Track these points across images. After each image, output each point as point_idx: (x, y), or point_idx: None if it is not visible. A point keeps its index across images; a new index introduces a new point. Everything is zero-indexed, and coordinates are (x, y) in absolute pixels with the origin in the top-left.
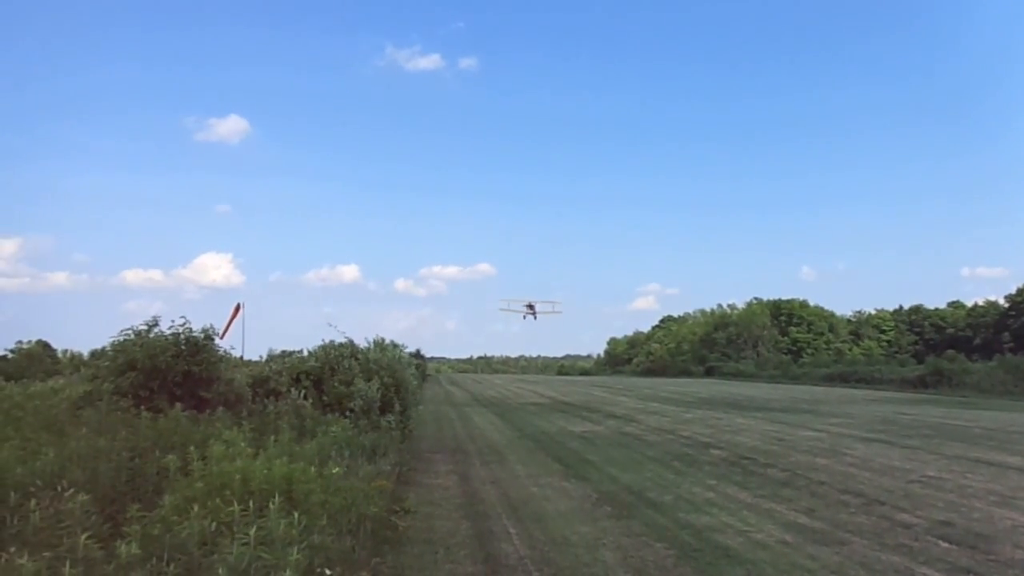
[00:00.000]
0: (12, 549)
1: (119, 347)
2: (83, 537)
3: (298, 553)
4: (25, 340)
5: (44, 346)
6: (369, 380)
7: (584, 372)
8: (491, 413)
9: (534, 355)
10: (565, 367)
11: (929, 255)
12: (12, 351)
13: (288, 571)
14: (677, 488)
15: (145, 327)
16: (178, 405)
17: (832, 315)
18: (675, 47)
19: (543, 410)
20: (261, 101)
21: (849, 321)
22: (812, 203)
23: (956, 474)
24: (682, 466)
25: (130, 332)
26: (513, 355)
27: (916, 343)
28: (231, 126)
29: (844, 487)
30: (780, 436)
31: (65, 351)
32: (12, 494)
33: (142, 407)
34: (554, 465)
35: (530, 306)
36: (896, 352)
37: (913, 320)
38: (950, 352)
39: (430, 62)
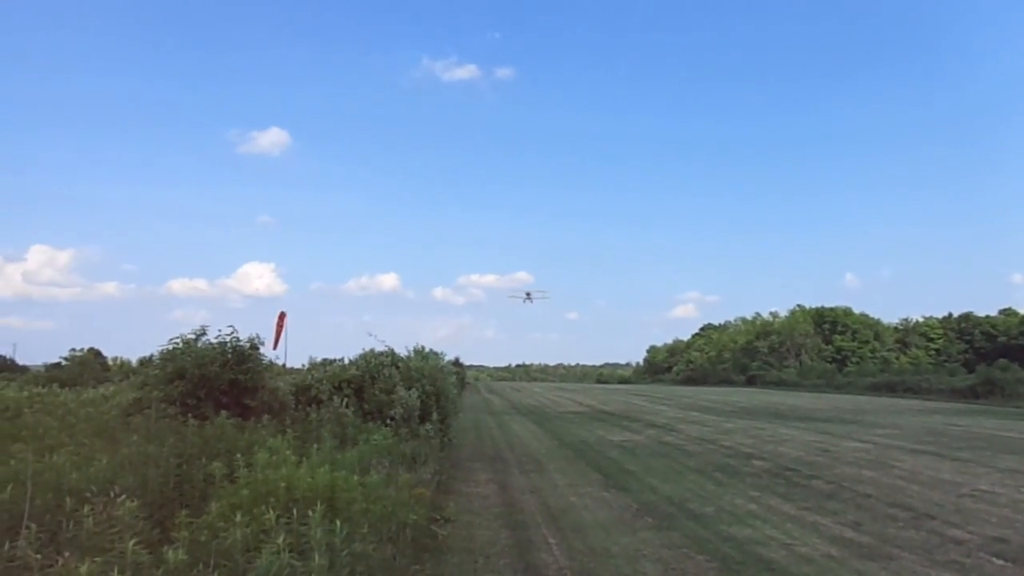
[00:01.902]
0: (67, 553)
1: (168, 355)
2: (131, 543)
3: (330, 559)
4: (78, 348)
5: (95, 354)
6: (409, 389)
7: (623, 380)
8: (530, 422)
9: (573, 363)
10: (604, 375)
11: (978, 261)
12: (66, 359)
13: None
14: (719, 499)
15: (193, 336)
16: (223, 413)
17: (878, 323)
18: (715, 62)
19: (582, 419)
20: (301, 114)
21: (895, 329)
22: (854, 210)
23: (1010, 488)
24: (723, 477)
25: (178, 341)
26: (551, 363)
27: (966, 352)
28: (272, 138)
29: (892, 500)
30: (824, 447)
31: (115, 358)
32: (68, 499)
33: (189, 414)
34: (593, 475)
35: (528, 294)
36: (945, 361)
37: (963, 328)
38: (1002, 361)
39: (466, 72)
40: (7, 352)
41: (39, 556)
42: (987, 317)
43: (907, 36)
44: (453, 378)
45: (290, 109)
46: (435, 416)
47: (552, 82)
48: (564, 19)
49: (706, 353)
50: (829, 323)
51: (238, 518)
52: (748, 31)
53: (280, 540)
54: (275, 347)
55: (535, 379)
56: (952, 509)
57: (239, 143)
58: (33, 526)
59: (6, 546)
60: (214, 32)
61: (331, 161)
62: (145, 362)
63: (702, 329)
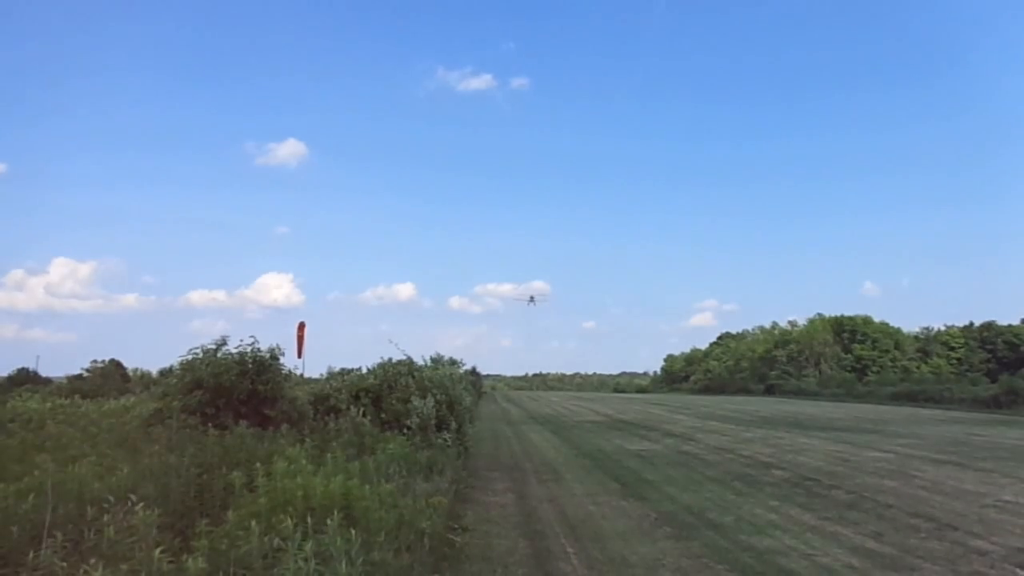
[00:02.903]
0: (91, 561)
1: (187, 366)
2: (154, 551)
3: (351, 568)
4: (99, 359)
5: (116, 365)
6: (424, 397)
7: (640, 390)
8: (547, 431)
9: (590, 372)
10: (621, 384)
11: (999, 269)
12: (88, 370)
13: None
14: (738, 509)
15: (213, 346)
16: (243, 423)
17: (898, 332)
18: (731, 73)
19: (599, 428)
20: (318, 125)
21: (916, 338)
22: (873, 218)
23: None
24: (743, 486)
25: (198, 351)
26: (568, 372)
27: (988, 361)
28: (289, 150)
29: (914, 510)
30: (845, 457)
31: (136, 369)
32: (89, 508)
33: (209, 424)
34: (612, 484)
35: (531, 297)
36: (967, 370)
37: (985, 337)
38: None
39: (482, 82)
40: (31, 364)
41: (64, 564)
42: (1009, 326)
43: (922, 47)
44: (467, 386)
45: (306, 121)
46: (453, 425)
47: (567, 91)
48: (579, 29)
49: (724, 362)
50: (849, 332)
51: (257, 526)
52: (763, 43)
53: (308, 547)
54: (299, 355)
55: (552, 388)
56: (975, 519)
57: (256, 155)
58: (57, 535)
59: (30, 555)
60: (230, 45)
61: (347, 171)
62: (165, 373)
63: (720, 338)
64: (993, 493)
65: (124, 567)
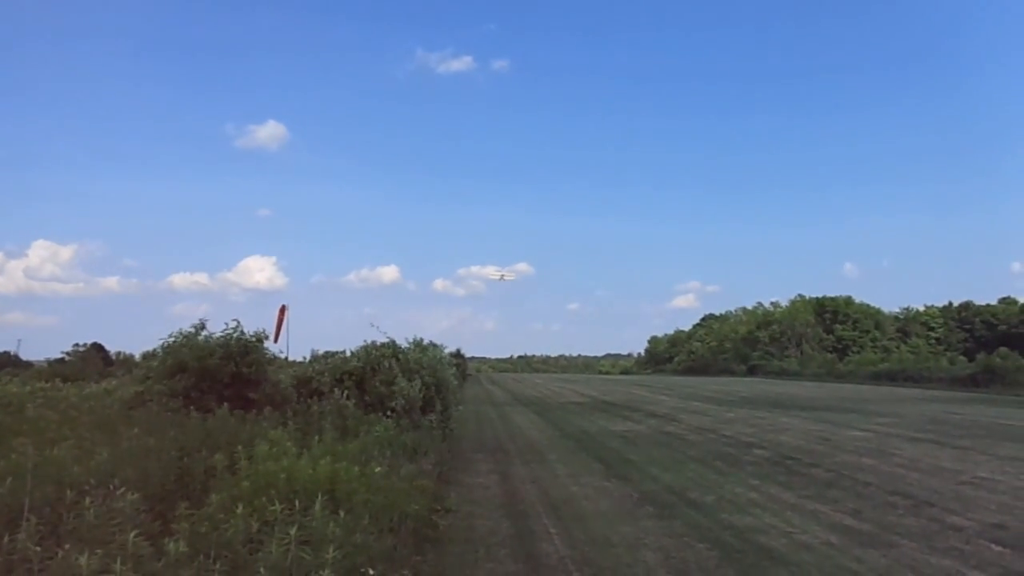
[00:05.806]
0: (68, 545)
1: (169, 349)
2: (133, 535)
3: (335, 551)
4: (81, 343)
5: (98, 348)
6: (410, 380)
7: (625, 371)
8: (531, 412)
9: (574, 354)
10: (605, 366)
11: (978, 250)
12: (69, 354)
13: (327, 570)
14: (719, 488)
15: (193, 329)
16: (225, 405)
17: (878, 312)
18: (712, 55)
19: (583, 409)
20: (298, 107)
21: (896, 318)
22: (854, 199)
23: (1010, 475)
24: (724, 466)
25: (179, 334)
26: (553, 354)
27: (966, 340)
28: (270, 132)
29: (892, 488)
30: (825, 436)
31: (118, 353)
32: (68, 492)
33: (191, 407)
34: (595, 464)
35: (502, 275)
36: (946, 350)
37: (963, 317)
38: (1002, 350)
39: (462, 64)
40: (11, 348)
41: (39, 548)
42: (987, 306)
43: (905, 32)
44: (453, 369)
45: (286, 103)
46: (438, 407)
47: (548, 73)
48: (560, 10)
49: (707, 343)
50: (830, 312)
51: (239, 510)
52: (745, 24)
53: (292, 532)
54: (275, 340)
55: (537, 370)
56: (951, 496)
57: (237, 137)
58: (33, 518)
59: (6, 539)
60: (209, 27)
61: (329, 154)
62: (148, 356)
63: (703, 319)
64: (969, 470)
65: (100, 551)
